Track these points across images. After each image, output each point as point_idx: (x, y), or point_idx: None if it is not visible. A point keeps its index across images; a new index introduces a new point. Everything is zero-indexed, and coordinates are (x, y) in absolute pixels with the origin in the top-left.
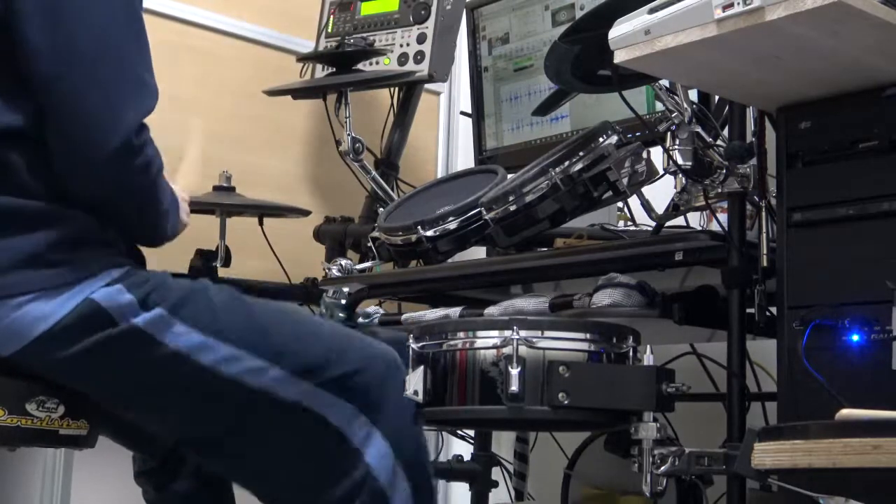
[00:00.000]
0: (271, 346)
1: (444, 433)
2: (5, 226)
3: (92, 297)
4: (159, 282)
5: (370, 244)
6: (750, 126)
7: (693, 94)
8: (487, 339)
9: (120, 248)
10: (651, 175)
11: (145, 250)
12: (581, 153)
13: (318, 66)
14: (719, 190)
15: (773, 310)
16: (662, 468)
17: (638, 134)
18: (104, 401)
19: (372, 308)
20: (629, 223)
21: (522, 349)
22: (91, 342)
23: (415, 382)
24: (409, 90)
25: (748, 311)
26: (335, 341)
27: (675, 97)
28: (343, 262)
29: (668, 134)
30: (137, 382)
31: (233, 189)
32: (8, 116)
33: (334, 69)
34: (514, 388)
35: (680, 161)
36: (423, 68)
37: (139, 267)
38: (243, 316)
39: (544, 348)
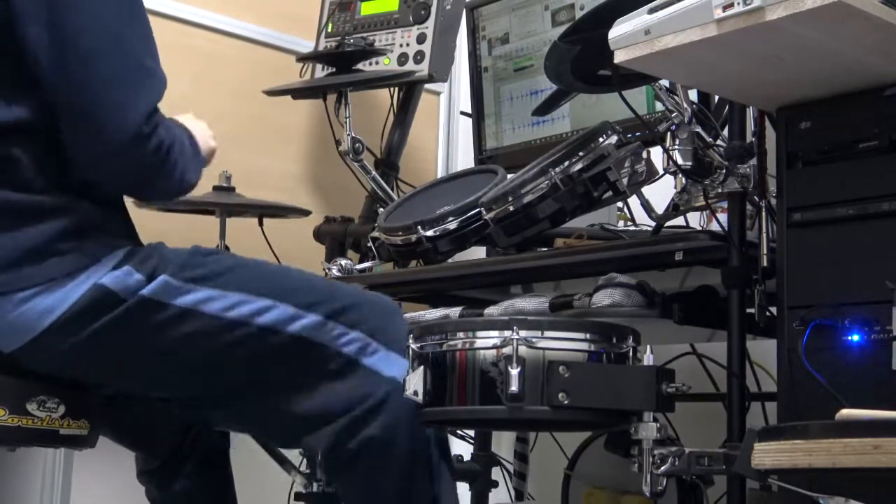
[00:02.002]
0: (274, 287)
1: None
2: (6, 221)
3: (100, 282)
4: (161, 254)
5: (370, 244)
6: (750, 126)
7: (693, 94)
8: (487, 339)
9: (120, 231)
10: (651, 175)
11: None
12: (581, 153)
13: (318, 66)
14: (719, 190)
15: (773, 310)
16: (662, 468)
17: (638, 134)
18: (114, 381)
19: None
20: (629, 223)
21: (522, 349)
22: (102, 323)
23: (415, 382)
24: (409, 90)
25: (748, 311)
26: (333, 282)
27: (675, 97)
28: (343, 262)
29: (668, 134)
30: (149, 349)
31: (233, 189)
32: (9, 112)
33: (334, 69)
34: (514, 388)
35: (680, 161)
36: (423, 68)
37: (137, 245)
38: (245, 268)
39: (544, 348)
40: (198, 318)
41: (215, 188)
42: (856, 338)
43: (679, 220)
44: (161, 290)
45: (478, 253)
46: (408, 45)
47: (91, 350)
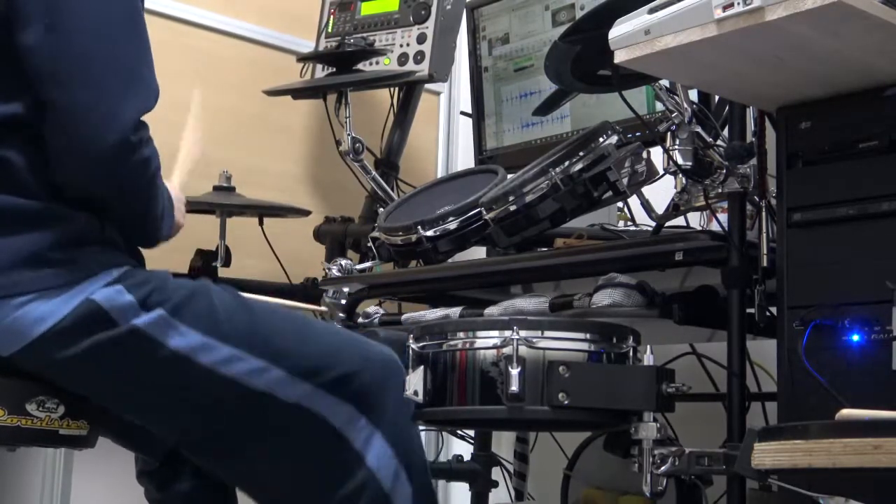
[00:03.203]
0: (271, 347)
1: (444, 433)
2: (5, 225)
3: (92, 297)
4: (160, 282)
5: (370, 244)
6: (750, 126)
7: (693, 94)
8: (487, 339)
9: (120, 248)
10: (651, 175)
11: (146, 252)
12: (581, 153)
13: (318, 66)
14: (719, 190)
15: (773, 310)
16: (662, 468)
17: (638, 134)
18: (104, 402)
19: (372, 308)
20: (629, 223)
21: (522, 349)
22: (91, 343)
23: (415, 382)
24: (409, 90)
25: (748, 311)
26: (335, 343)
27: (675, 97)
28: (343, 262)
29: (668, 134)
30: (137, 383)
31: (233, 189)
32: (7, 108)
33: (334, 69)
34: (514, 388)
35: (680, 161)
36: (423, 68)
37: (139, 266)
38: (244, 317)
39: (544, 348)
40: (190, 366)
41: (215, 188)
42: (856, 338)
43: (679, 220)
44: (156, 327)
45: (478, 253)
46: (408, 45)
47: (80, 368)
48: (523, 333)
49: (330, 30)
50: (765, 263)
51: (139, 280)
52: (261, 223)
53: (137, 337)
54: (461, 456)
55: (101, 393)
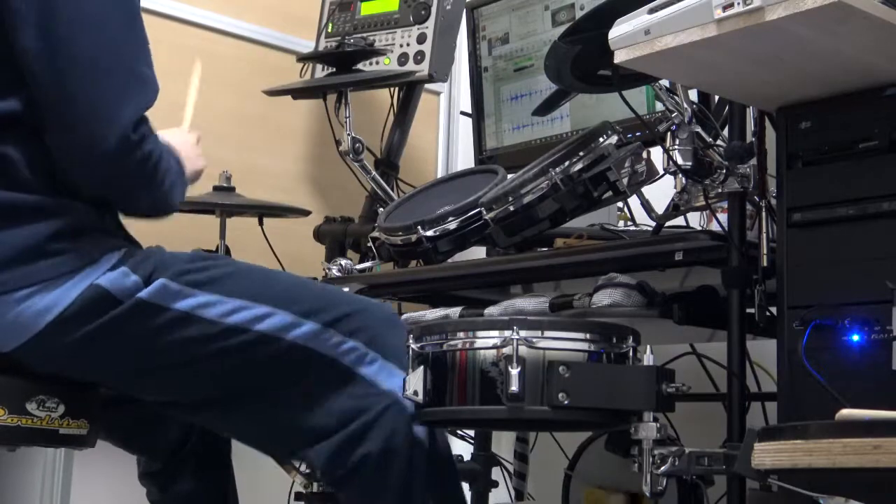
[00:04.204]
0: (273, 295)
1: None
2: (3, 220)
3: (97, 282)
4: (159, 257)
5: (370, 244)
6: (750, 126)
7: (693, 94)
8: (487, 339)
9: (117, 233)
10: (651, 175)
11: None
12: (581, 153)
13: (318, 66)
14: (719, 190)
15: (773, 310)
16: (662, 468)
17: (638, 134)
18: (111, 379)
19: None
20: (629, 223)
21: (522, 349)
22: (98, 324)
23: (415, 382)
24: (409, 90)
25: (748, 311)
26: (335, 291)
27: (675, 97)
28: (343, 262)
29: (668, 134)
30: (147, 351)
31: (233, 189)
32: (4, 104)
33: (334, 69)
34: (514, 388)
35: (680, 161)
36: (423, 68)
37: (136, 247)
38: (243, 275)
39: (544, 348)
40: (196, 322)
41: (215, 188)
42: (856, 338)
43: (679, 220)
44: (159, 294)
45: (478, 253)
46: (408, 45)
47: (89, 350)
48: (523, 333)
49: (330, 30)
50: (765, 263)
51: (140, 259)
52: (261, 223)
53: (142, 307)
54: (461, 456)
55: (109, 372)
